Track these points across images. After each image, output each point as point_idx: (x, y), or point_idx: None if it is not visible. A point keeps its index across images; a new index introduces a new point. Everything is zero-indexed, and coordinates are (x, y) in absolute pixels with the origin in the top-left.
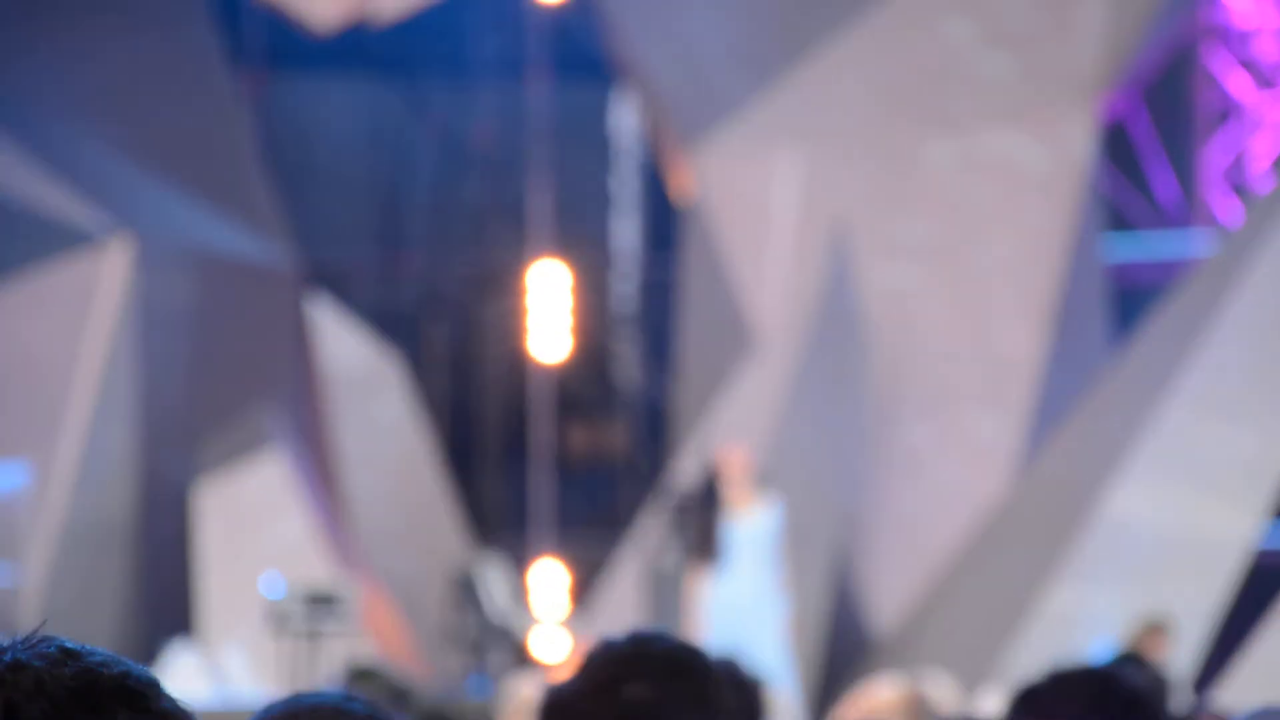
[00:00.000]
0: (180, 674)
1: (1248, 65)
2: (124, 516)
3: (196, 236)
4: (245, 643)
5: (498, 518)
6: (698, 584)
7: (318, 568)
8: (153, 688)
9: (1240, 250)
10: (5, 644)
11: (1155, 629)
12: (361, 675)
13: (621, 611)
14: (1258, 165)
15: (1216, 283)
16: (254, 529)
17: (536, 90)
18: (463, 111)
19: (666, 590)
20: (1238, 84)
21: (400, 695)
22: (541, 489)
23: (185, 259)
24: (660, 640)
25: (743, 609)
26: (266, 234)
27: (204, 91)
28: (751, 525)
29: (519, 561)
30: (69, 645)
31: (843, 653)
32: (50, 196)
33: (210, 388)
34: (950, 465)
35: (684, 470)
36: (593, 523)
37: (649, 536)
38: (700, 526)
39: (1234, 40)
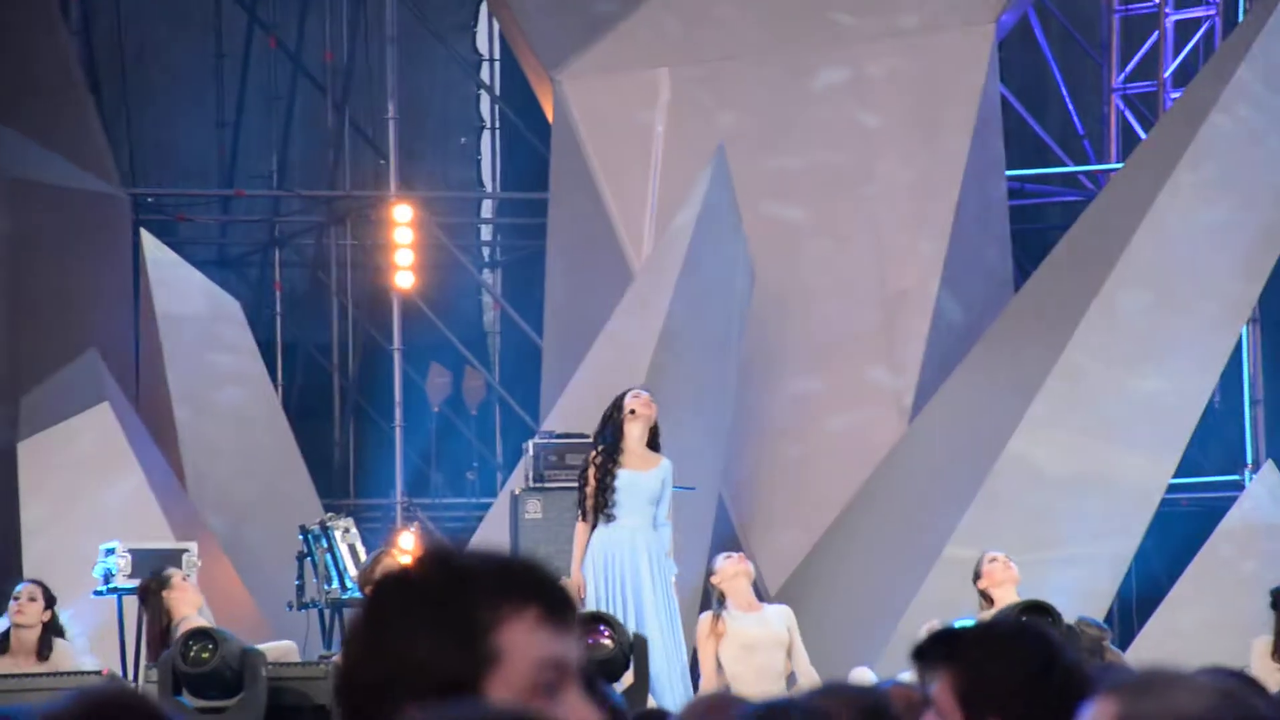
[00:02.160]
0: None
1: None
2: None
3: (12, 168)
4: (75, 611)
5: (350, 472)
6: (582, 535)
7: (152, 528)
8: None
9: (1140, 185)
10: None
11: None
12: (199, 637)
13: None
14: (1161, 90)
15: (1117, 219)
16: (83, 488)
17: (391, 8)
18: (309, 29)
19: (531, 541)
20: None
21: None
22: (399, 439)
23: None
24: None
25: (625, 566)
26: (93, 164)
27: (17, 6)
28: (648, 480)
29: (375, 519)
30: None
31: None
32: None
33: (32, 335)
34: (840, 411)
35: (554, 415)
36: (456, 474)
37: (516, 487)
38: (594, 461)
39: None
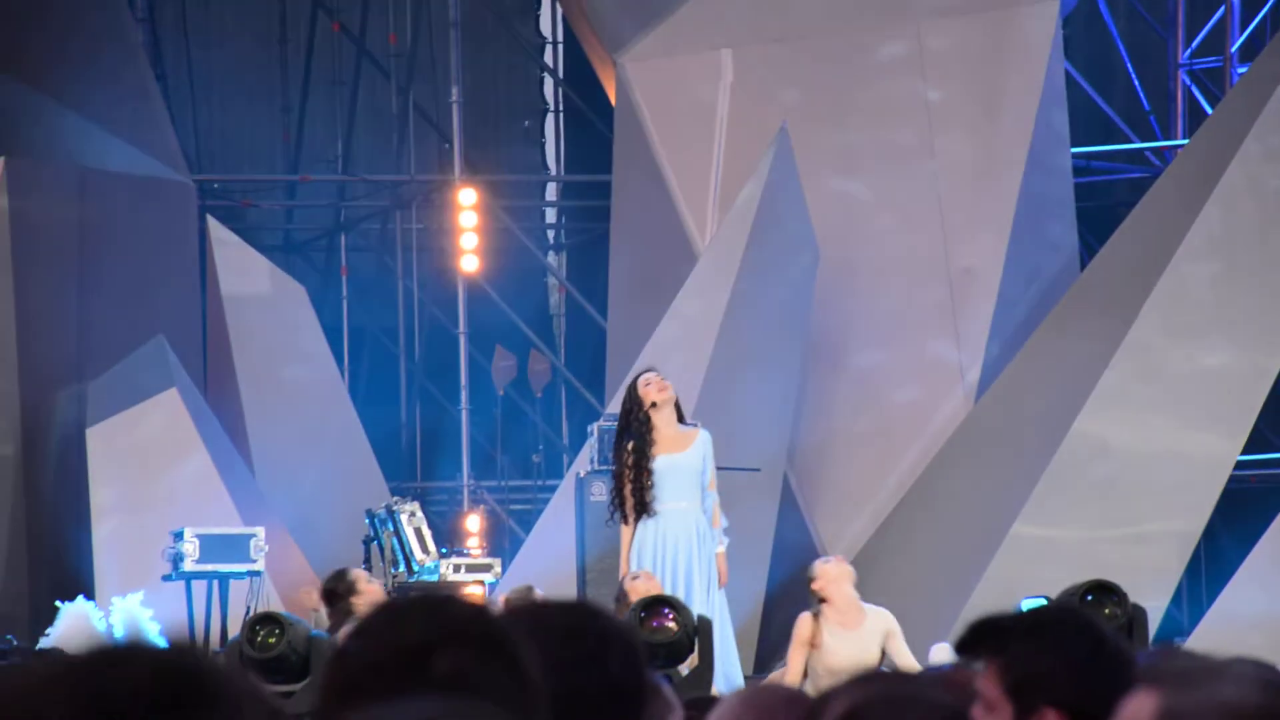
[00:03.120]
0: (73, 630)
1: None
2: (6, 460)
3: (81, 156)
4: (146, 593)
5: (416, 455)
6: (626, 537)
7: (220, 512)
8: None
9: (1208, 157)
10: None
11: None
12: (265, 622)
13: (553, 553)
14: (1227, 65)
15: (1185, 192)
16: (151, 473)
17: None
18: (372, 14)
19: (597, 527)
20: None
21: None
22: (465, 422)
23: (69, 180)
24: (460, 604)
25: (679, 552)
26: (159, 151)
27: None
28: (688, 459)
29: (441, 502)
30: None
31: (796, 583)
32: None
33: (100, 321)
34: (905, 386)
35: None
36: (522, 456)
37: (582, 469)
38: (628, 462)
39: None
